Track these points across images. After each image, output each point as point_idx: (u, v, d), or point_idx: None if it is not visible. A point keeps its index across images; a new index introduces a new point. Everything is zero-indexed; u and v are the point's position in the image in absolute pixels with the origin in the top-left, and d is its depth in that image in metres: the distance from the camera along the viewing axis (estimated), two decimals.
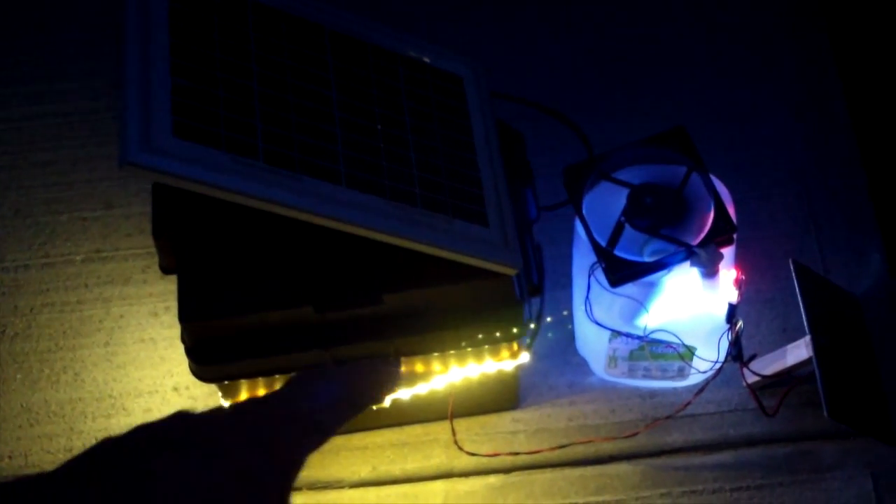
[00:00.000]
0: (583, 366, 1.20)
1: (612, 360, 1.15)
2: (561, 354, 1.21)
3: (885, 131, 1.38)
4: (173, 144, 0.81)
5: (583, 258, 1.08)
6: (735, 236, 1.07)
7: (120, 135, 0.79)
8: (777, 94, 1.37)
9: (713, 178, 1.08)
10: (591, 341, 1.16)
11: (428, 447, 1.17)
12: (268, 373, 1.02)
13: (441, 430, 1.17)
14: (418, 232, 0.91)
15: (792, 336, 1.16)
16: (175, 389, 1.21)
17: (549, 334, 1.21)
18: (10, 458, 1.18)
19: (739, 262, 1.11)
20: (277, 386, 1.06)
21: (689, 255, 1.04)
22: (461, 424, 1.17)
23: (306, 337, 0.99)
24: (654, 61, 1.40)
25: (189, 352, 0.99)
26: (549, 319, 1.22)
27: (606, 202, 1.07)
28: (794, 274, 1.13)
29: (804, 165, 1.32)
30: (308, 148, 0.88)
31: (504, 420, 1.18)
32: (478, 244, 0.94)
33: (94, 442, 1.16)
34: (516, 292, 0.99)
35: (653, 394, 1.19)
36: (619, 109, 1.36)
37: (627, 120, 1.33)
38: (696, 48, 1.41)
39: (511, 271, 0.96)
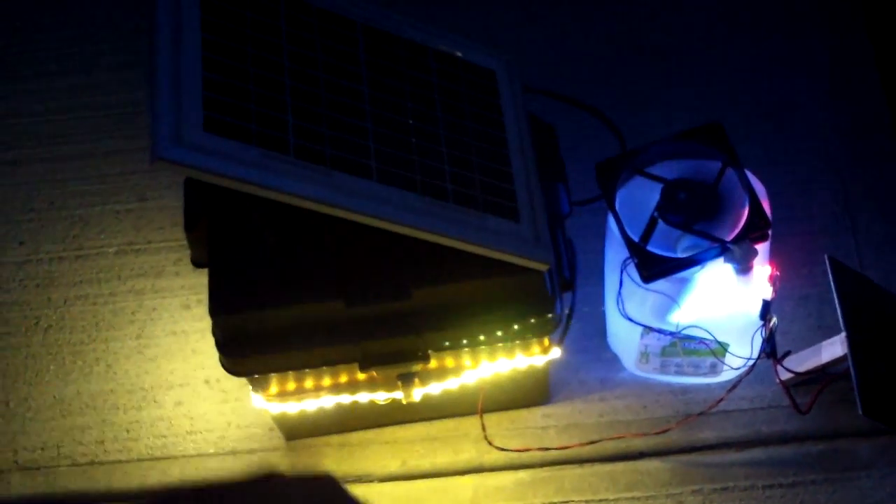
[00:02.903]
0: (614, 361, 1.20)
1: (644, 355, 1.14)
2: (593, 350, 1.20)
3: None
4: (204, 139, 0.81)
5: (615, 254, 1.07)
6: (770, 232, 1.06)
7: (150, 130, 0.79)
8: (813, 88, 1.36)
9: (748, 173, 1.07)
10: (623, 337, 1.15)
11: (458, 442, 1.17)
12: (298, 367, 1.02)
13: (471, 424, 1.16)
14: (449, 227, 0.91)
15: (827, 333, 1.15)
16: (206, 382, 1.21)
17: (581, 329, 1.20)
18: (42, 449, 1.19)
19: (774, 258, 1.10)
20: (308, 381, 1.06)
21: (723, 251, 1.03)
22: (491, 419, 1.17)
23: (336, 331, 0.99)
24: (688, 55, 1.39)
25: (219, 345, 0.99)
26: (585, 312, 1.21)
27: (639, 197, 1.06)
28: (829, 270, 1.12)
29: (841, 160, 1.30)
30: (339, 143, 0.87)
31: (534, 415, 1.18)
32: (509, 239, 0.93)
33: (125, 434, 1.18)
34: (547, 288, 0.99)
35: (685, 390, 1.18)
36: (652, 103, 1.35)
37: (661, 114, 1.32)
38: (731, 41, 1.40)
39: (542, 267, 0.95)
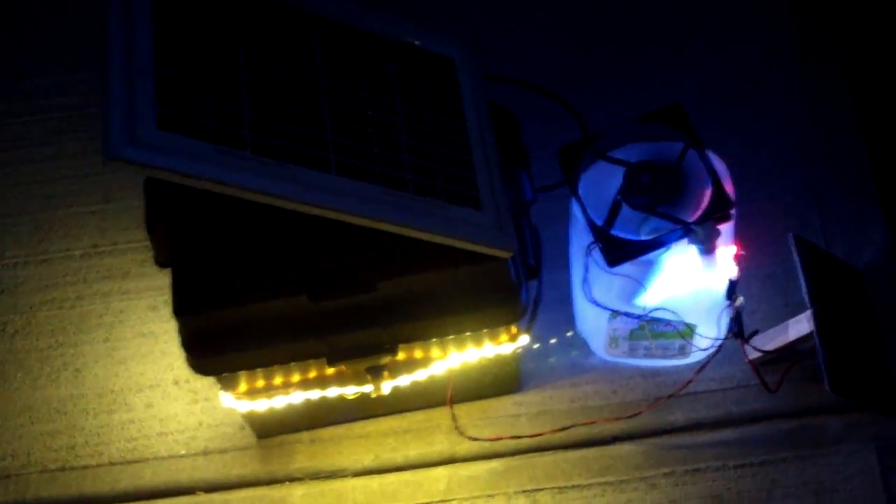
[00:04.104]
0: (584, 347, 1.20)
1: (613, 340, 1.14)
2: (562, 336, 1.20)
3: (885, 104, 1.37)
4: (158, 137, 0.80)
5: (580, 239, 1.07)
6: (733, 212, 1.06)
7: (103, 129, 0.78)
8: (777, 69, 1.36)
9: (710, 154, 1.07)
10: (591, 322, 1.15)
11: (430, 433, 1.16)
12: (265, 364, 1.02)
13: (442, 416, 1.16)
14: (410, 217, 0.90)
15: (794, 311, 1.15)
16: (176, 383, 1.20)
17: (550, 316, 1.20)
18: (12, 456, 1.18)
19: (739, 237, 1.10)
20: (277, 378, 1.06)
21: (687, 232, 1.03)
22: (463, 410, 1.17)
23: (302, 327, 0.98)
24: (650, 39, 1.39)
25: (185, 345, 0.98)
26: (553, 298, 1.20)
27: (603, 182, 1.06)
28: (794, 248, 1.12)
29: (806, 140, 1.30)
30: (296, 136, 0.87)
31: (506, 404, 1.18)
32: (471, 228, 0.93)
33: (96, 438, 1.17)
34: (512, 275, 0.99)
35: (655, 373, 1.18)
36: (615, 88, 1.34)
37: (624, 98, 1.32)
38: (695, 23, 1.40)
39: (505, 254, 0.95)
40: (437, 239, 0.92)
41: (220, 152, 0.82)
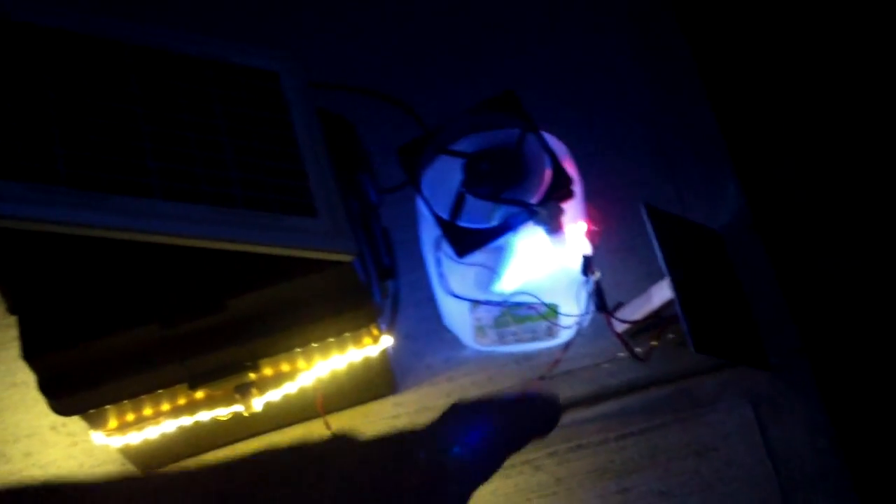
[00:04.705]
0: (456, 341, 1.21)
1: (479, 329, 1.15)
2: (434, 333, 1.21)
3: (729, 64, 1.40)
4: None
5: (429, 234, 1.08)
6: (576, 190, 1.07)
7: None
8: (617, 45, 1.37)
9: (548, 135, 1.09)
10: (455, 315, 1.16)
11: None
12: (127, 396, 1.01)
13: (322, 426, 1.16)
14: (242, 232, 0.91)
15: (657, 280, 1.17)
16: (53, 428, 1.19)
17: (419, 315, 1.21)
18: None
19: (592, 213, 1.12)
20: (146, 409, 1.05)
21: (531, 214, 1.04)
22: (343, 417, 1.17)
23: (158, 354, 0.98)
24: (480, 28, 1.40)
25: (41, 388, 0.98)
26: (420, 297, 1.21)
27: (448, 176, 1.08)
28: (645, 217, 1.14)
29: (653, 111, 1.32)
30: (115, 166, 0.87)
31: (385, 406, 1.18)
32: (307, 236, 0.94)
33: None
34: (361, 277, 0.99)
35: (528, 357, 1.19)
36: (452, 83, 1.35)
37: (466, 91, 1.31)
38: (528, 9, 1.41)
39: (347, 257, 0.96)
40: (275, 250, 0.93)
41: (33, 189, 0.82)
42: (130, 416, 1.05)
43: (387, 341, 1.08)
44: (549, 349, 1.19)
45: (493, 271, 1.07)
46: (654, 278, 1.21)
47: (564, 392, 1.17)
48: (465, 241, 1.04)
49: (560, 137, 1.11)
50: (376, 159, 1.13)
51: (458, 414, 0.59)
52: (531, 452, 1.15)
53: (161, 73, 0.95)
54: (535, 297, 1.09)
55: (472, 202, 1.06)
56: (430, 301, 1.20)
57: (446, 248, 1.05)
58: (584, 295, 1.11)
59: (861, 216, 1.29)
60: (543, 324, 1.14)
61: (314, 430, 1.17)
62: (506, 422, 0.61)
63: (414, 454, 0.54)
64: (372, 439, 0.56)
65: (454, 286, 1.09)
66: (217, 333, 0.98)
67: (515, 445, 0.61)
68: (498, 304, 1.09)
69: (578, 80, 1.35)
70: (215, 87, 0.97)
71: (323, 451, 0.56)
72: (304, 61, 1.04)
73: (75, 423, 1.17)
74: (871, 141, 1.34)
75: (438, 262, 1.07)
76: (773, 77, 1.39)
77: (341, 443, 0.56)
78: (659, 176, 1.29)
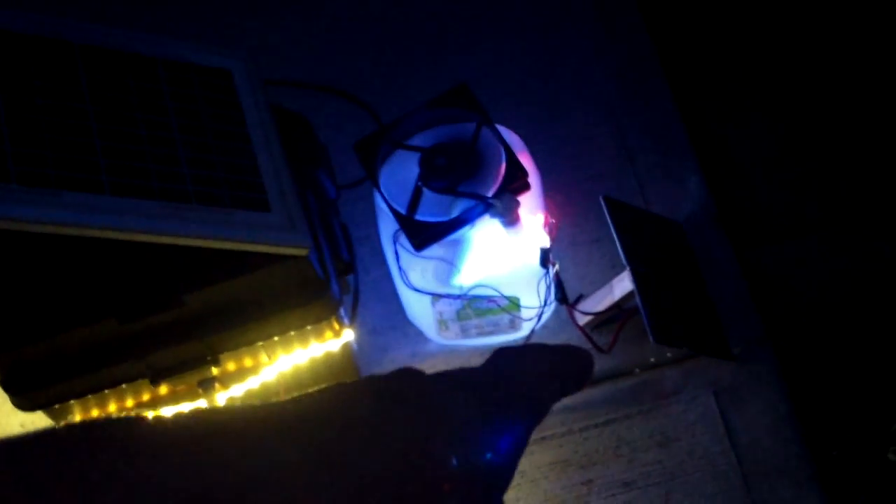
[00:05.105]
0: (420, 335, 1.21)
1: (442, 323, 1.16)
2: (399, 328, 1.22)
3: (690, 56, 1.40)
4: None
5: (388, 229, 1.09)
6: (534, 182, 1.08)
7: None
8: (579, 38, 1.38)
9: (503, 128, 1.09)
10: (418, 309, 1.17)
11: None
12: (88, 392, 1.02)
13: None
14: (194, 228, 0.91)
15: (620, 272, 1.18)
16: (22, 426, 1.21)
17: (384, 310, 1.22)
18: None
19: (550, 206, 1.13)
20: (110, 405, 1.06)
21: (487, 206, 1.05)
22: None
23: (118, 349, 0.99)
24: (437, 25, 1.40)
25: (3, 385, 0.99)
26: (385, 292, 1.22)
27: (405, 171, 1.08)
28: (605, 210, 1.15)
29: (615, 104, 1.33)
30: (64, 163, 0.88)
31: None
32: (261, 230, 0.95)
33: None
34: (318, 272, 1.00)
35: (492, 350, 1.20)
36: (408, 80, 1.36)
37: (423, 88, 1.32)
38: (489, 6, 1.42)
39: (301, 252, 0.97)
40: (229, 245, 0.94)
41: None
42: (95, 412, 1.07)
43: (348, 335, 1.09)
44: (513, 342, 1.20)
45: (451, 264, 1.08)
46: (618, 271, 1.21)
47: None
48: (423, 235, 1.05)
49: (523, 132, 1.12)
50: (336, 156, 1.14)
51: (489, 418, 0.55)
52: None
53: (112, 71, 0.96)
54: (496, 290, 1.10)
55: (429, 196, 1.07)
56: (395, 296, 1.21)
57: (404, 241, 1.06)
58: (543, 287, 1.12)
59: (824, 208, 1.30)
60: (505, 317, 1.15)
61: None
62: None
63: (446, 461, 0.52)
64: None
65: (414, 280, 1.10)
66: (176, 329, 0.99)
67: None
68: (458, 297, 1.10)
69: (542, 75, 1.36)
70: (167, 85, 0.98)
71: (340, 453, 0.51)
72: (257, 59, 1.05)
73: (44, 420, 1.18)
74: (834, 133, 1.34)
75: (397, 257, 1.08)
76: (735, 70, 1.40)
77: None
78: (621, 170, 1.29)
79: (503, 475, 0.54)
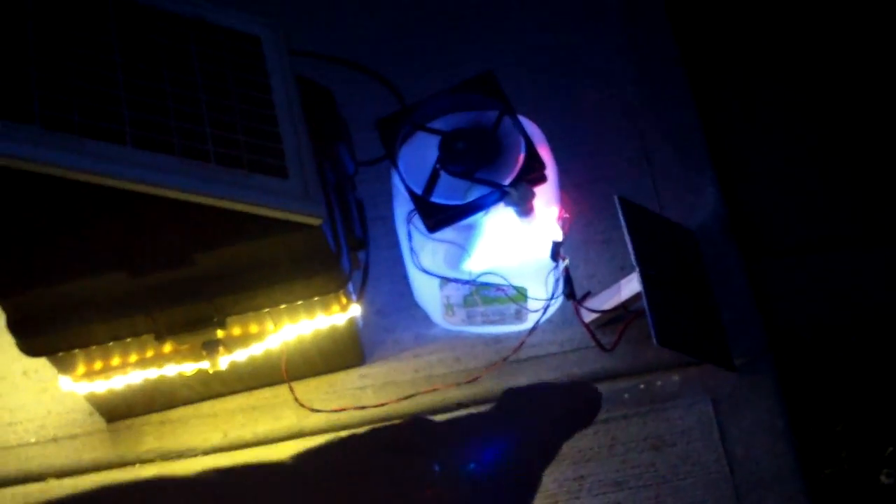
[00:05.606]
0: (426, 318, 1.22)
1: (448, 307, 1.16)
2: (405, 309, 1.23)
3: (715, 63, 1.41)
4: None
5: (403, 209, 1.10)
6: (550, 175, 1.09)
7: None
8: (604, 38, 1.38)
9: (524, 119, 1.10)
10: (425, 291, 1.18)
11: (278, 409, 1.18)
12: (93, 342, 1.03)
13: (290, 391, 1.18)
14: (211, 187, 0.93)
15: (629, 273, 1.18)
16: (24, 374, 1.22)
17: (392, 290, 1.22)
18: None
19: (565, 201, 1.13)
20: (114, 358, 1.08)
21: (503, 194, 1.06)
22: (310, 384, 1.19)
23: (126, 302, 1.00)
24: (466, 11, 1.41)
25: (10, 327, 1.00)
26: (395, 273, 1.23)
27: (424, 153, 1.09)
28: (619, 210, 1.16)
29: (635, 107, 1.34)
30: (89, 111, 0.89)
31: (352, 377, 1.20)
32: (277, 196, 0.96)
33: None
34: (330, 244, 1.01)
35: (497, 339, 1.21)
36: (435, 61, 1.36)
37: (447, 72, 1.32)
38: None
39: (314, 221, 0.98)
40: (244, 207, 0.95)
41: (9, 128, 0.84)
42: (98, 364, 1.08)
43: (355, 310, 1.10)
44: (517, 334, 1.20)
45: (462, 249, 1.09)
46: (626, 272, 1.22)
47: (530, 377, 1.18)
48: (436, 217, 1.05)
49: (542, 125, 1.12)
50: (356, 132, 1.15)
51: (474, 425, 0.57)
52: None
53: (142, 27, 0.97)
54: (504, 278, 1.11)
55: (445, 179, 1.07)
56: (404, 279, 1.22)
57: (417, 222, 1.07)
58: (551, 280, 1.13)
59: (837, 227, 1.30)
60: (512, 306, 1.16)
61: (281, 393, 1.19)
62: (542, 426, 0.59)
63: (428, 466, 0.52)
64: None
65: (424, 262, 1.10)
66: (185, 287, 1.00)
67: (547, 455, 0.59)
68: (467, 282, 1.11)
69: (565, 71, 1.36)
70: (196, 45, 0.99)
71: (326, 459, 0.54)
72: (287, 28, 1.06)
73: (48, 370, 1.19)
74: (850, 148, 1.35)
75: (410, 237, 1.09)
76: (760, 80, 1.40)
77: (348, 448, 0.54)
78: (638, 171, 1.30)
79: (491, 490, 0.54)
